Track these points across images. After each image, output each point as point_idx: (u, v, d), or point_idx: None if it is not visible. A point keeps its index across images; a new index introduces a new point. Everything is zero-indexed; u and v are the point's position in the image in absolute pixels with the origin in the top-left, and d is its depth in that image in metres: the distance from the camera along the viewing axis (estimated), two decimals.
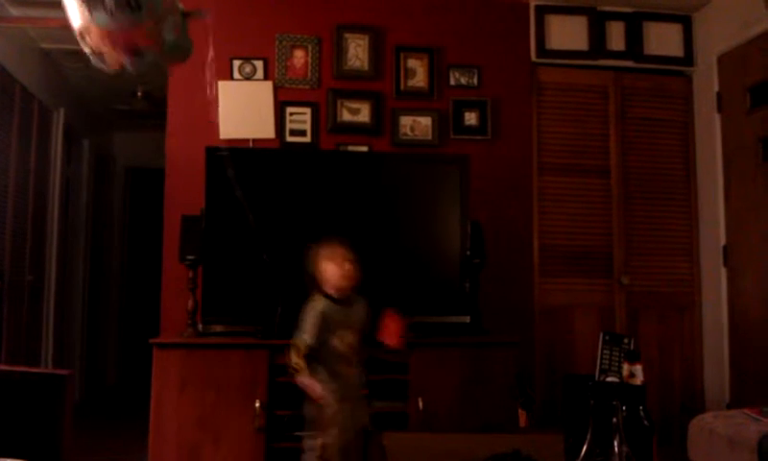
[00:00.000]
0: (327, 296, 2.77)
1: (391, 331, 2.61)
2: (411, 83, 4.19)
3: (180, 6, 1.78)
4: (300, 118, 4.06)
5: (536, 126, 4.32)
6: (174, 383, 3.19)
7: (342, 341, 2.70)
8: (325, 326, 2.71)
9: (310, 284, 2.79)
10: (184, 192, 3.81)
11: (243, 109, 4.01)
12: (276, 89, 4.06)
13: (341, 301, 2.76)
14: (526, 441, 1.64)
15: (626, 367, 1.95)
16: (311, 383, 2.63)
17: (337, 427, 2.66)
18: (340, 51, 4.12)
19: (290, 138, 4.03)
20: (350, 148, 4.07)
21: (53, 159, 5.41)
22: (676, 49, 4.49)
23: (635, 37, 4.43)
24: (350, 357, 2.70)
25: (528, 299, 4.19)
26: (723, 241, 4.18)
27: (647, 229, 4.37)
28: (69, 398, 1.80)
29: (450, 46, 4.26)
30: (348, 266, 2.75)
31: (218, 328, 3.52)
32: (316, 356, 2.69)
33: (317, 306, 2.73)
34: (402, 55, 4.19)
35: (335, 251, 2.78)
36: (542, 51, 4.36)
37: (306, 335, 2.69)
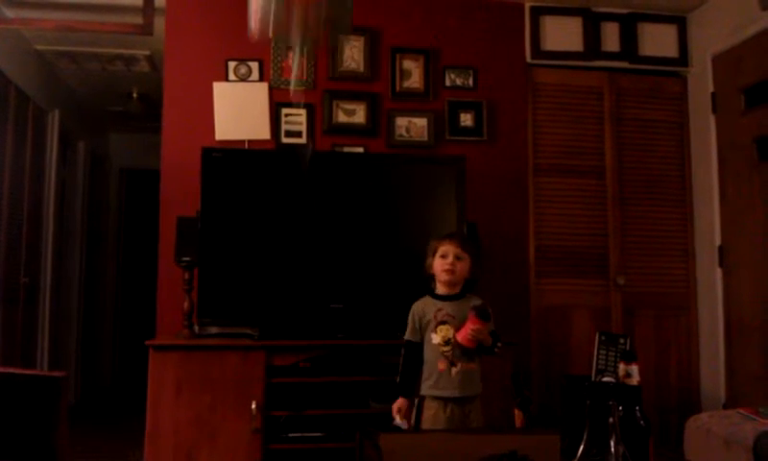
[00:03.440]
0: (433, 293, 2.78)
1: (464, 331, 2.59)
2: (406, 84, 4.19)
3: None
4: (296, 119, 4.06)
5: (531, 127, 4.33)
6: (170, 385, 3.19)
7: (441, 338, 2.67)
8: (423, 323, 2.72)
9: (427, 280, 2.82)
10: (180, 193, 3.81)
11: (238, 110, 4.01)
12: (272, 91, 4.05)
13: (449, 296, 2.75)
14: (523, 441, 1.64)
15: (622, 367, 1.95)
16: (396, 410, 2.67)
17: (432, 427, 2.64)
18: (335, 52, 4.12)
19: (285, 140, 4.03)
20: (346, 149, 4.07)
21: (48, 161, 5.40)
22: (671, 50, 4.50)
23: (629, 38, 4.44)
24: (450, 354, 2.66)
25: (524, 299, 4.20)
26: (718, 241, 4.19)
27: (642, 229, 4.37)
28: (64, 399, 1.80)
29: (446, 47, 4.26)
30: (448, 260, 2.73)
31: (214, 330, 3.52)
32: (420, 353, 2.73)
33: (414, 306, 2.78)
34: (398, 56, 4.19)
35: (439, 245, 2.79)
36: (537, 52, 4.36)
37: (406, 334, 2.76)
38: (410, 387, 2.72)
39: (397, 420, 2.66)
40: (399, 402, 2.69)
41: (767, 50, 3.82)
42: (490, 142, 4.24)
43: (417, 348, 2.74)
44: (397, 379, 2.75)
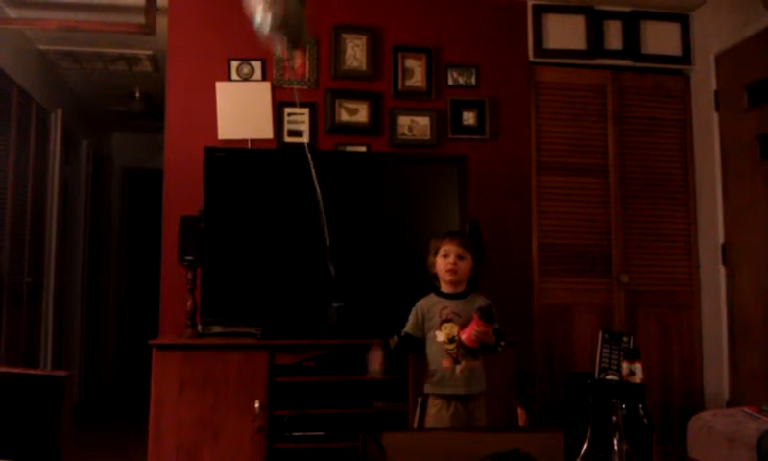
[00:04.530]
0: (437, 291, 2.78)
1: (468, 331, 2.60)
2: (409, 83, 4.19)
3: None
4: (299, 119, 4.06)
5: (534, 125, 4.32)
6: (173, 384, 3.19)
7: (446, 335, 2.67)
8: (427, 320, 2.73)
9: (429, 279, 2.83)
10: (183, 193, 3.81)
11: (241, 109, 4.01)
12: (275, 90, 4.05)
13: (453, 295, 2.75)
14: (526, 440, 1.64)
15: (625, 365, 1.95)
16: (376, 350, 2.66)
17: (436, 425, 2.65)
18: (338, 51, 4.12)
19: (288, 139, 4.03)
20: (349, 148, 4.07)
21: (51, 161, 5.40)
22: (674, 48, 4.49)
23: (632, 36, 4.43)
24: (454, 352, 2.66)
25: (527, 298, 4.19)
26: (721, 239, 4.19)
27: (646, 227, 4.37)
28: (68, 399, 1.80)
29: (448, 46, 4.26)
30: (450, 260, 2.73)
31: (217, 329, 3.52)
32: (422, 349, 2.74)
33: (418, 302, 2.78)
34: (400, 55, 4.19)
35: (440, 244, 2.79)
36: (540, 50, 4.36)
37: (407, 327, 2.76)
38: (395, 351, 2.73)
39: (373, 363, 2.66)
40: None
41: None
42: (492, 141, 4.24)
43: (413, 342, 2.75)
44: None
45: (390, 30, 4.21)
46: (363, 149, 4.08)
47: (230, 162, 3.57)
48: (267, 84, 4.04)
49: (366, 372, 2.70)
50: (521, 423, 2.88)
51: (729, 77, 4.17)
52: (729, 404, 3.97)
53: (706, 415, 3.17)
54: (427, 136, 4.15)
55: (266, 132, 4.00)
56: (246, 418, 3.20)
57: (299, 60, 3.98)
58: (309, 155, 3.16)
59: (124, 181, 7.56)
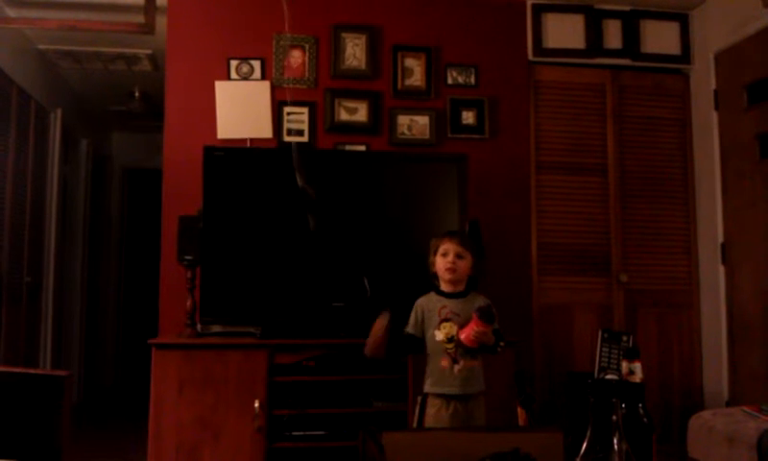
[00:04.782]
0: (437, 290, 2.78)
1: (468, 331, 2.59)
2: (408, 82, 4.19)
3: None
4: (298, 118, 4.05)
5: (533, 124, 4.32)
6: (173, 384, 3.19)
7: (444, 335, 2.67)
8: (426, 319, 2.72)
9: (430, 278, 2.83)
10: (182, 192, 3.81)
11: (240, 108, 4.01)
12: (274, 89, 4.05)
13: (453, 294, 2.75)
14: (526, 439, 1.64)
15: (625, 364, 1.94)
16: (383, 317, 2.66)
17: (435, 424, 2.64)
18: (337, 50, 4.12)
19: (287, 138, 4.03)
20: (348, 147, 4.06)
21: (50, 160, 5.40)
22: (673, 47, 4.49)
23: (632, 36, 4.43)
24: (453, 351, 2.65)
25: (527, 297, 4.19)
26: (721, 239, 4.19)
27: (645, 226, 4.37)
28: (68, 399, 1.79)
29: (447, 45, 4.26)
30: (449, 258, 2.73)
31: (216, 329, 3.52)
32: (422, 347, 2.74)
33: (418, 301, 2.78)
34: (399, 54, 4.19)
35: (439, 243, 2.79)
36: (540, 49, 4.36)
37: (408, 327, 2.75)
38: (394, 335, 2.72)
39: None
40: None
41: None
42: (491, 140, 4.24)
43: (415, 341, 2.75)
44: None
45: (389, 29, 4.21)
46: (362, 148, 4.08)
47: (230, 162, 3.57)
48: (266, 84, 4.04)
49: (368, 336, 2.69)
50: (521, 422, 2.88)
51: (728, 76, 4.17)
52: (728, 404, 3.98)
53: (705, 414, 3.17)
54: (427, 136, 4.15)
55: (265, 131, 4.00)
56: (246, 417, 3.20)
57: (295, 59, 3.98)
58: (300, 155, 3.18)
59: (124, 181, 7.56)
